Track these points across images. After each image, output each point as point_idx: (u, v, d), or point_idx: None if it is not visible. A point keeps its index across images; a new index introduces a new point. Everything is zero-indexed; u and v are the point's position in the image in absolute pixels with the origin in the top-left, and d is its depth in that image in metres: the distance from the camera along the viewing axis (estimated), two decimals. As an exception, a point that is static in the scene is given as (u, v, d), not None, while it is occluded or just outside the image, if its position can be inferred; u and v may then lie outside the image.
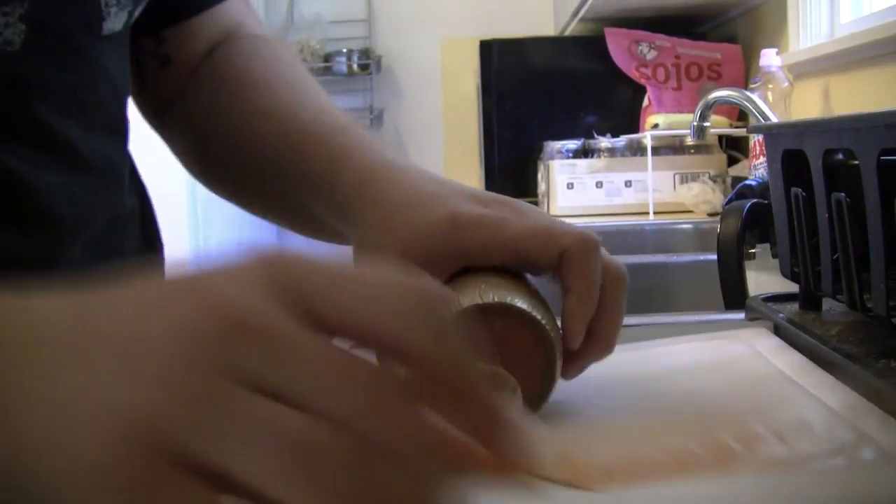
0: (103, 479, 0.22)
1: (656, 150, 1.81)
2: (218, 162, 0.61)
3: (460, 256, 0.47)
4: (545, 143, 1.96)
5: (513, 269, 0.48)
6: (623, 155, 1.85)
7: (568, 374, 0.46)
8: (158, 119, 0.61)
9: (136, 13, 0.52)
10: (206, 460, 0.22)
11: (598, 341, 0.46)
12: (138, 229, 0.58)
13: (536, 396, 0.44)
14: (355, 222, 0.50)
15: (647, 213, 1.75)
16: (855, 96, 1.46)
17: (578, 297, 0.45)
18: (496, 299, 0.43)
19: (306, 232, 0.59)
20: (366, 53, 3.32)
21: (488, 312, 0.43)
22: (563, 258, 0.45)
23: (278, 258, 0.25)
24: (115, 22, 0.50)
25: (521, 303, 0.43)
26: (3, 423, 0.23)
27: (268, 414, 0.22)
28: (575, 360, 0.46)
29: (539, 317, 0.43)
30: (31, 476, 0.23)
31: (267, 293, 0.24)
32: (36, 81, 0.46)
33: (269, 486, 0.21)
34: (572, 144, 1.90)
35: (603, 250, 0.47)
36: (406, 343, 0.24)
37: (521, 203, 0.49)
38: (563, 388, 0.45)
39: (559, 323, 0.45)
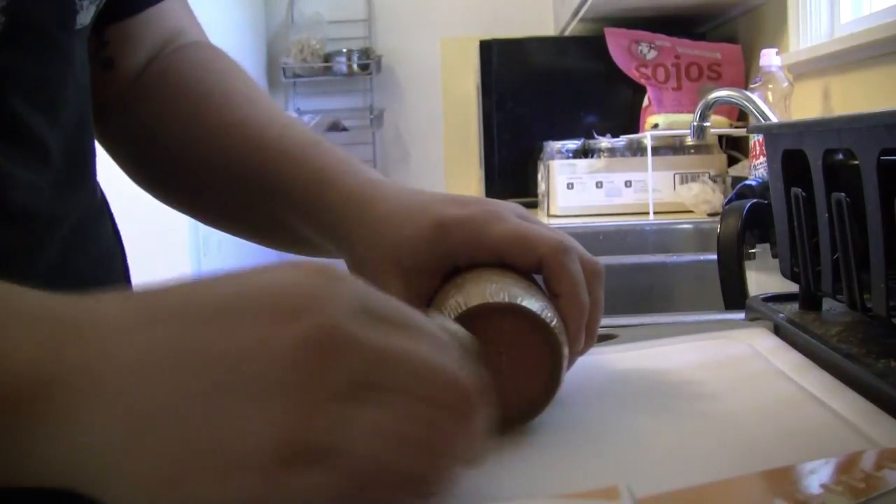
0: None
1: (656, 150, 1.81)
2: (172, 174, 0.61)
3: (448, 258, 0.49)
4: (545, 143, 1.96)
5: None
6: (623, 155, 1.86)
7: None
8: (99, 125, 0.60)
9: (102, 4, 0.52)
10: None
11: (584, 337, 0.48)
12: (109, 222, 0.58)
13: (541, 397, 0.44)
14: (343, 240, 0.52)
15: (647, 213, 1.76)
16: (855, 96, 1.46)
17: (570, 303, 0.46)
18: (506, 299, 0.43)
19: (279, 246, 0.60)
20: (366, 53, 3.32)
21: (497, 312, 0.43)
22: (543, 264, 0.47)
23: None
24: (86, 15, 0.50)
25: (530, 304, 0.43)
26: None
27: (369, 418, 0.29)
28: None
29: (548, 319, 0.43)
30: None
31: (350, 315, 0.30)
32: (12, 73, 0.46)
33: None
34: (572, 144, 1.90)
35: (578, 247, 0.48)
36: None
37: (500, 204, 0.51)
38: (565, 389, 0.45)
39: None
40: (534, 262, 0.47)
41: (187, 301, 0.31)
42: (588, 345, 0.49)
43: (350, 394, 0.29)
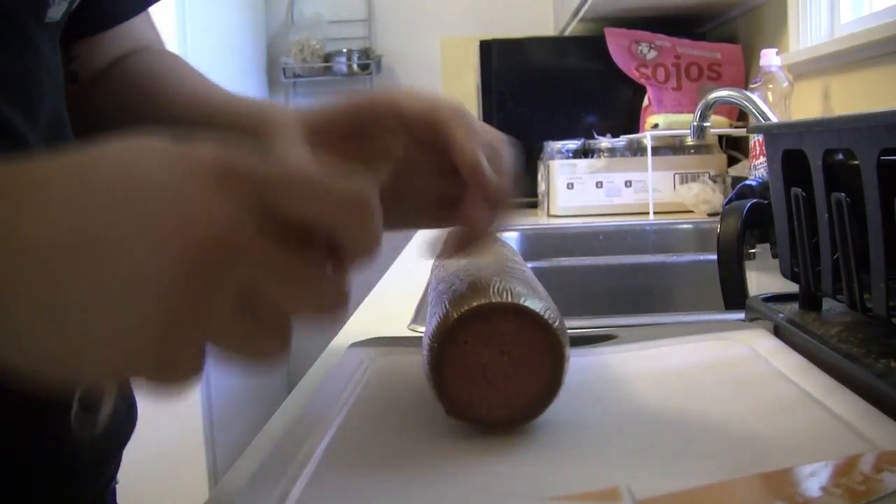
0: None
1: (656, 150, 1.81)
2: None
3: (352, 117, 0.50)
4: (545, 143, 1.96)
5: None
6: (623, 155, 1.85)
7: (475, 241, 0.47)
8: None
9: (74, 6, 0.52)
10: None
11: (495, 201, 0.47)
12: None
13: (543, 397, 0.44)
14: (260, 126, 0.53)
15: (647, 213, 1.75)
16: (855, 96, 1.46)
17: (465, 135, 0.47)
18: (510, 299, 0.43)
19: None
20: (366, 53, 3.32)
21: (500, 311, 0.43)
22: (440, 125, 0.48)
23: (239, 168, 0.30)
24: (57, 10, 0.50)
25: (533, 304, 0.43)
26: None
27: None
28: (475, 224, 0.47)
29: (551, 320, 0.43)
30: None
31: (237, 204, 0.30)
32: None
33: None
34: (572, 144, 1.90)
35: (473, 118, 0.49)
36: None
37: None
38: (565, 389, 0.45)
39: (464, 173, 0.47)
40: (430, 124, 0.48)
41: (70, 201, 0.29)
42: (503, 210, 0.48)
43: (237, 299, 0.30)
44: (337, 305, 0.32)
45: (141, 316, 0.29)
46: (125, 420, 0.58)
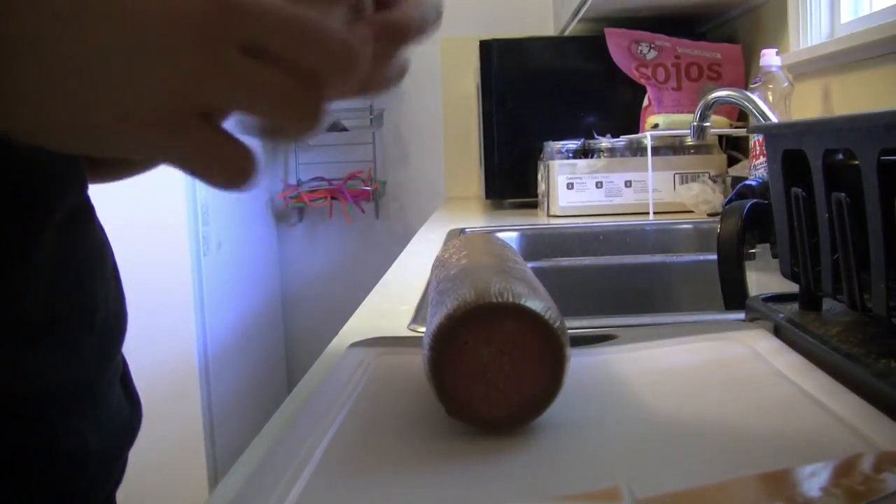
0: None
1: (656, 150, 1.81)
2: None
3: None
4: (545, 143, 1.96)
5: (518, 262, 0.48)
6: (623, 155, 1.86)
7: None
8: None
9: None
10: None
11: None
12: (94, 218, 0.58)
13: (543, 397, 0.44)
14: None
15: (647, 213, 1.75)
16: (855, 96, 1.46)
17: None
18: (510, 300, 0.43)
19: None
20: (366, 53, 3.32)
21: (501, 312, 0.43)
22: None
23: None
24: None
25: (534, 304, 0.43)
26: None
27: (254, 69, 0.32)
28: None
29: (551, 320, 0.43)
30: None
31: None
32: None
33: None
34: (572, 144, 1.90)
35: None
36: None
37: None
38: (565, 389, 0.45)
39: None
40: None
41: None
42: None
43: (242, 54, 0.32)
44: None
45: (160, 77, 0.30)
46: (131, 419, 0.58)
